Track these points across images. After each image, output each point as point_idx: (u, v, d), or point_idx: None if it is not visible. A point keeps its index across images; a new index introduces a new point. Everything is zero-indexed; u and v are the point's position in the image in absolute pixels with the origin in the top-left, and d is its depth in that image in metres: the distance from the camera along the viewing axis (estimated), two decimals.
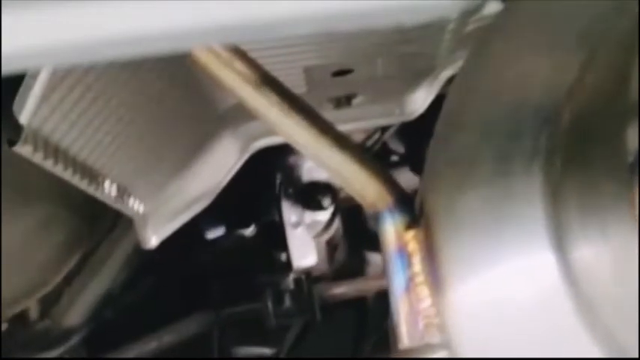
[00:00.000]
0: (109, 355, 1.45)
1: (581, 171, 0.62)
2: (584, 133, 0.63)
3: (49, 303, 1.34)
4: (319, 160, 0.74)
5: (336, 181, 1.31)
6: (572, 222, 0.61)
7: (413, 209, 0.71)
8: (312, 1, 0.38)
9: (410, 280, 0.69)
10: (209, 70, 0.74)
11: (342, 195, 1.40)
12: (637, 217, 0.59)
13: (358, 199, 0.74)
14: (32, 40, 0.37)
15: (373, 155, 1.38)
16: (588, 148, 0.63)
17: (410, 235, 0.70)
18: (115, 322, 1.42)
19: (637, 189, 0.59)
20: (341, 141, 0.73)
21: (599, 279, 0.61)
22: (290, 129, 0.73)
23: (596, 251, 0.61)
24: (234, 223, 1.44)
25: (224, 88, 0.74)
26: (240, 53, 0.73)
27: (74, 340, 1.38)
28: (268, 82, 0.73)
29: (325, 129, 0.73)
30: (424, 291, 0.68)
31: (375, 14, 0.40)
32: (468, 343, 0.67)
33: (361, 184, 0.73)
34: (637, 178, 0.60)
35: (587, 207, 0.61)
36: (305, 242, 1.39)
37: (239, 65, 0.72)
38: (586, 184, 0.62)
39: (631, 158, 0.60)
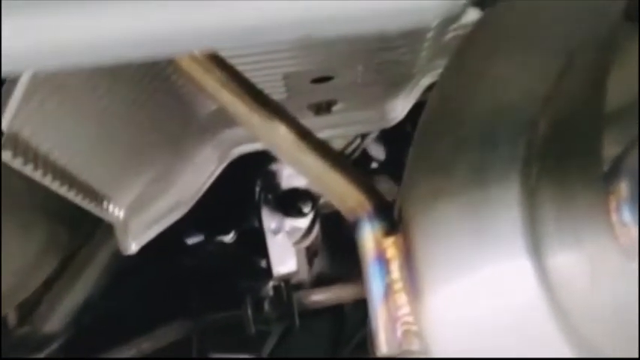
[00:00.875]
0: None
1: (557, 179, 0.63)
2: (560, 141, 0.64)
3: (28, 309, 1.34)
4: (299, 167, 0.74)
5: (316, 188, 1.31)
6: (548, 229, 0.61)
7: (392, 216, 0.71)
8: (294, 8, 0.39)
9: (388, 287, 0.69)
10: (190, 77, 0.74)
11: (321, 202, 1.40)
12: (612, 225, 0.59)
13: (337, 205, 0.74)
14: (32, 42, 0.37)
15: (353, 162, 1.38)
16: (564, 156, 0.63)
17: (389, 242, 0.70)
18: (94, 328, 1.42)
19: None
20: (320, 148, 0.73)
21: (574, 285, 0.61)
22: (270, 135, 0.73)
23: (572, 258, 0.61)
24: (214, 230, 1.44)
25: (205, 94, 0.75)
26: (220, 60, 0.73)
27: (53, 346, 1.37)
28: (248, 88, 0.73)
29: (305, 135, 0.73)
30: (402, 298, 0.69)
31: (356, 21, 0.40)
32: (446, 349, 0.67)
33: (340, 190, 0.73)
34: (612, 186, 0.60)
35: (562, 214, 0.61)
36: (285, 249, 1.39)
37: (219, 72, 0.72)
38: (562, 191, 0.62)
39: (606, 166, 0.61)
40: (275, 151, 0.75)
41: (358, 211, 0.72)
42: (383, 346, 0.70)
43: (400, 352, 0.70)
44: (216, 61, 0.73)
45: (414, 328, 0.69)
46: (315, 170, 0.73)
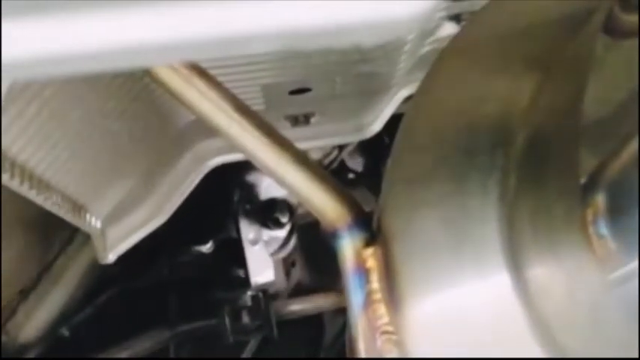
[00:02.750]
0: None
1: (534, 191, 0.63)
2: (537, 154, 0.64)
3: (4, 318, 1.33)
4: (278, 178, 0.74)
5: (295, 199, 1.31)
6: (526, 241, 0.62)
7: (371, 227, 0.71)
8: (269, 21, 0.39)
9: (368, 297, 0.70)
10: (168, 87, 0.74)
11: (299, 212, 1.40)
12: (589, 237, 0.60)
13: (317, 216, 0.75)
14: (32, 49, 0.37)
15: (331, 173, 1.38)
16: (541, 169, 0.64)
17: (368, 252, 0.70)
18: (71, 338, 1.41)
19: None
20: (300, 159, 0.73)
21: (552, 298, 0.62)
22: (250, 146, 0.73)
23: (550, 271, 0.62)
24: (191, 240, 1.44)
25: (183, 104, 0.75)
26: (199, 70, 0.73)
27: (30, 355, 1.36)
28: (228, 99, 0.73)
29: (285, 146, 0.73)
30: (382, 308, 0.69)
31: (331, 34, 0.40)
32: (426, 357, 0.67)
33: (320, 201, 0.73)
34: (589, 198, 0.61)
35: (540, 226, 0.62)
36: (263, 259, 1.39)
37: (198, 82, 0.73)
38: (539, 204, 0.63)
39: (583, 179, 0.62)
40: (254, 162, 0.75)
41: (338, 222, 0.72)
42: (362, 356, 0.70)
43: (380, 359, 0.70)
44: (196, 72, 0.73)
45: (393, 337, 0.69)
46: (294, 181, 0.73)
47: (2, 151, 0.78)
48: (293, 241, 1.43)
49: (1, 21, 0.36)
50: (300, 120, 1.15)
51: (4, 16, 0.36)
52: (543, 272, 0.62)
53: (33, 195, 0.86)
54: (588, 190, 0.61)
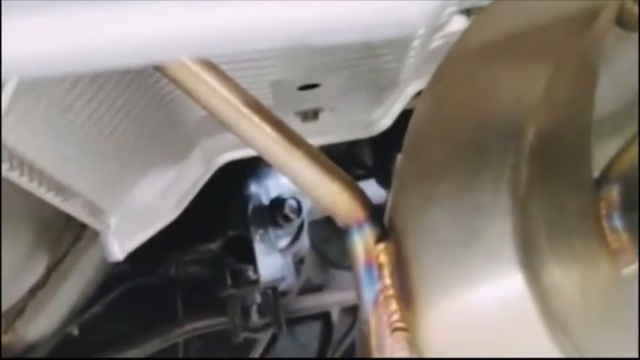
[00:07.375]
0: None
1: (546, 186, 0.63)
2: (549, 148, 0.64)
3: (12, 316, 1.33)
4: (289, 173, 0.74)
5: (306, 194, 1.31)
6: (539, 237, 0.61)
7: (382, 223, 0.71)
8: (280, 16, 0.39)
9: (379, 294, 0.69)
10: (178, 82, 0.74)
11: (309, 208, 1.40)
12: (603, 231, 0.60)
13: (328, 212, 0.74)
14: (32, 48, 0.37)
15: (341, 168, 1.38)
16: (554, 163, 0.63)
17: (380, 248, 0.70)
18: (79, 336, 1.41)
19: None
20: (311, 154, 0.73)
21: (566, 294, 0.61)
22: (260, 142, 0.73)
23: (563, 267, 0.61)
24: (200, 237, 1.44)
25: (193, 100, 0.74)
26: (210, 66, 0.73)
27: (37, 354, 1.37)
28: (238, 94, 0.73)
29: (296, 142, 0.73)
30: (394, 304, 0.68)
31: (341, 30, 0.40)
32: (440, 355, 0.67)
33: (331, 197, 0.73)
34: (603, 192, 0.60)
35: (552, 222, 0.61)
36: (272, 256, 1.39)
37: (209, 78, 0.72)
38: (551, 198, 0.62)
39: (596, 173, 0.61)
40: (265, 158, 0.75)
41: (349, 217, 0.72)
42: (374, 353, 0.70)
43: (391, 359, 0.70)
44: (207, 66, 0.73)
45: (405, 334, 0.69)
46: (305, 177, 0.73)
47: (11, 148, 0.78)
48: (303, 238, 1.43)
49: (1, 21, 0.36)
50: (310, 116, 1.15)
51: (4, 15, 0.36)
52: (557, 268, 0.61)
53: (42, 192, 0.86)
54: (602, 183, 0.60)
